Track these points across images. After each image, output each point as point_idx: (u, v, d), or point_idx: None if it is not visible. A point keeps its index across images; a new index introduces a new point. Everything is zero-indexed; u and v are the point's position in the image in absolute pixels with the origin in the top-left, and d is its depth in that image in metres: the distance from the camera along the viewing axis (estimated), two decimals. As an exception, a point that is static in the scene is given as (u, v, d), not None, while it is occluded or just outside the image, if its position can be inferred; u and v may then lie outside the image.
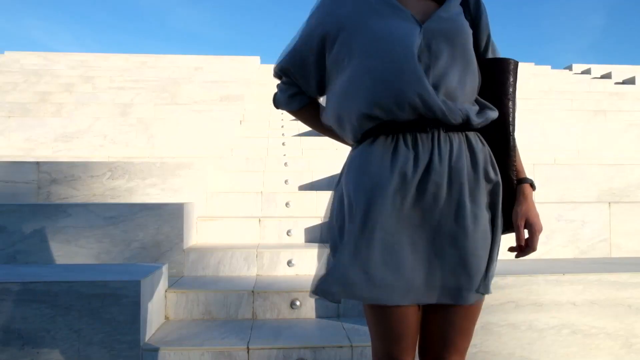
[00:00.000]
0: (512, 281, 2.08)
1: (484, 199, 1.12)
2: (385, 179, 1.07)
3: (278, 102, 1.32)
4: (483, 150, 1.13)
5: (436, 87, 1.08)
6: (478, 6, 1.21)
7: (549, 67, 11.87)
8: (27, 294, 1.98)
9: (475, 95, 1.16)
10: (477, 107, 1.14)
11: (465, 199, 1.08)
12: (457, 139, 1.10)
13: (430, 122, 1.08)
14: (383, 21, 1.11)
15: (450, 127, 1.10)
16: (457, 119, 1.09)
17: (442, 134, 1.09)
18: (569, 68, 11.95)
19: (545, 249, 3.12)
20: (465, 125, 1.11)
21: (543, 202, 3.31)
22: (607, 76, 10.61)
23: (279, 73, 1.29)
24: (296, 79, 1.26)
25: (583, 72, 11.34)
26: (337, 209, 1.17)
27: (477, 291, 1.11)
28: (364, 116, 1.11)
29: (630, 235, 3.24)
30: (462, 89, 1.11)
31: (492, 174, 1.13)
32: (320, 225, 3.44)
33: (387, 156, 1.09)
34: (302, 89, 1.27)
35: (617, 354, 2.11)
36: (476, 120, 1.11)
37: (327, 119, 1.22)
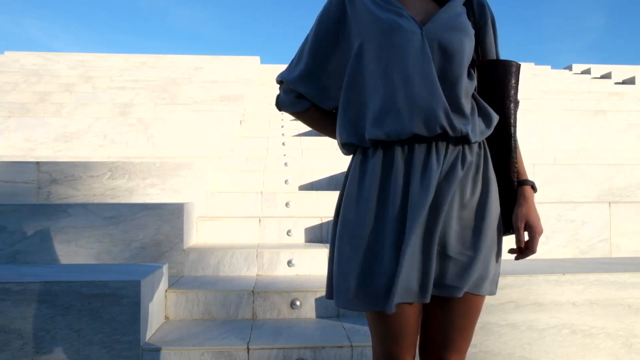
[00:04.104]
0: (512, 281, 2.08)
1: (475, 198, 1.12)
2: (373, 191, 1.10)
3: (282, 104, 1.27)
4: (477, 154, 1.14)
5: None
6: (482, 7, 1.20)
7: (549, 67, 11.88)
8: (27, 294, 1.98)
9: (469, 97, 1.15)
10: (477, 123, 1.13)
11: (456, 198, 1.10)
12: (452, 147, 1.11)
13: (436, 136, 1.09)
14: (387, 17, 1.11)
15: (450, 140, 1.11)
16: (457, 135, 1.10)
17: (440, 143, 1.10)
18: (569, 68, 11.96)
19: (545, 249, 3.13)
20: (463, 139, 1.12)
21: (543, 202, 3.31)
22: (607, 76, 10.62)
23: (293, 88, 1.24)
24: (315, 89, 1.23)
25: (583, 72, 11.35)
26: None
27: (480, 292, 1.11)
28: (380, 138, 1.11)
29: (630, 235, 3.24)
30: (460, 94, 1.11)
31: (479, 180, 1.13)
32: (321, 225, 3.44)
33: (378, 167, 1.11)
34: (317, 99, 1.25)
35: (617, 354, 2.11)
36: (473, 139, 1.12)
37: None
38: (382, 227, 1.08)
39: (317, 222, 3.44)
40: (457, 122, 1.08)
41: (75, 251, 2.92)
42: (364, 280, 1.08)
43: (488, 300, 2.01)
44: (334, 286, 1.14)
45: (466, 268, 1.08)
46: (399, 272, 1.04)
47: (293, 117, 1.33)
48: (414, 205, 1.06)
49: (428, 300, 1.07)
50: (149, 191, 3.74)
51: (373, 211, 1.09)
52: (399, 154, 1.10)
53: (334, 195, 3.82)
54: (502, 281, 2.06)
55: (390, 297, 1.04)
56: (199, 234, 3.40)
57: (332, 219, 3.43)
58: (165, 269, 2.49)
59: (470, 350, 1.79)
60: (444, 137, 1.09)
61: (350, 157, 1.22)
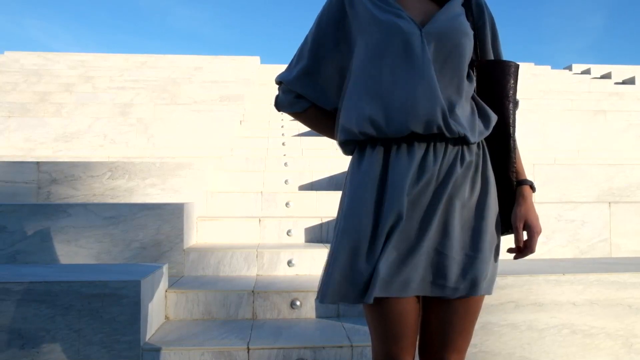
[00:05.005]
0: (512, 281, 2.08)
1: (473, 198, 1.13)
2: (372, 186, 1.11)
3: (280, 105, 1.28)
4: (476, 154, 1.14)
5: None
6: (480, 8, 1.21)
7: (549, 67, 11.88)
8: (27, 294, 1.98)
9: (469, 99, 1.16)
10: (477, 123, 1.14)
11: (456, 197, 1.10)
12: (451, 147, 1.12)
13: (434, 134, 1.10)
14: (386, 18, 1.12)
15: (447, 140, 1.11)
16: (453, 136, 1.10)
17: (438, 144, 1.11)
18: (569, 68, 11.96)
19: (545, 249, 3.12)
20: (461, 140, 1.12)
21: (543, 202, 3.31)
22: (607, 76, 10.62)
23: (291, 88, 1.25)
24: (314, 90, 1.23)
25: (583, 72, 11.35)
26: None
27: (481, 292, 1.11)
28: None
29: (630, 235, 3.24)
30: (459, 95, 1.12)
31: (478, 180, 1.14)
32: (321, 225, 3.44)
33: (375, 166, 1.11)
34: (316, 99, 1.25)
35: (617, 354, 2.11)
36: (472, 140, 1.12)
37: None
38: (374, 224, 1.09)
39: (317, 222, 3.44)
40: (454, 123, 1.08)
41: (75, 251, 2.92)
42: (347, 274, 1.08)
43: (488, 300, 2.01)
44: (321, 282, 1.15)
45: (467, 268, 1.08)
46: (378, 267, 1.05)
47: (293, 117, 1.33)
48: (401, 202, 1.07)
49: (408, 295, 1.08)
50: (149, 191, 3.74)
51: (369, 209, 1.10)
52: (396, 153, 1.10)
53: (334, 195, 3.82)
54: (502, 281, 2.07)
55: (369, 291, 1.06)
56: (199, 234, 3.40)
57: (332, 218, 3.44)
58: (165, 269, 2.49)
59: (470, 350, 1.79)
60: (442, 137, 1.09)
61: (350, 157, 1.23)
